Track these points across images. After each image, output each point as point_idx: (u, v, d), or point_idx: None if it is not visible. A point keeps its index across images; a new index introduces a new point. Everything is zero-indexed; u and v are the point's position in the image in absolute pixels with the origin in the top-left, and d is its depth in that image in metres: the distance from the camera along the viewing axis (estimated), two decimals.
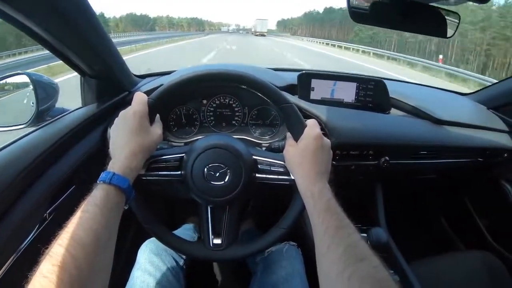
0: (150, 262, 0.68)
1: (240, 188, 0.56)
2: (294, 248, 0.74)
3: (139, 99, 0.52)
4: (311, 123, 0.54)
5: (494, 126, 0.99)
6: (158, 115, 0.56)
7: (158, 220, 0.57)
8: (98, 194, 0.42)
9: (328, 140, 0.54)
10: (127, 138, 0.48)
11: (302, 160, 0.51)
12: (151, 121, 0.52)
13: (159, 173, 0.56)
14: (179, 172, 0.57)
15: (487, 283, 0.82)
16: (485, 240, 1.12)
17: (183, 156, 0.58)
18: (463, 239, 1.24)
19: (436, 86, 1.32)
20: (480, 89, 1.21)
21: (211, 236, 0.59)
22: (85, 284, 0.34)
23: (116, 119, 0.52)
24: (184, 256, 0.74)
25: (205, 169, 0.55)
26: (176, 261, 0.72)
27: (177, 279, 0.69)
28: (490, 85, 1.20)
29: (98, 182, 0.44)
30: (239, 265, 0.80)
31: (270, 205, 1.09)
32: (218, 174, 0.55)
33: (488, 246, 1.10)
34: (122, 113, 0.51)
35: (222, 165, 0.55)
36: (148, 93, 0.55)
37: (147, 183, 0.56)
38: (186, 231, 0.91)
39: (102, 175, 0.44)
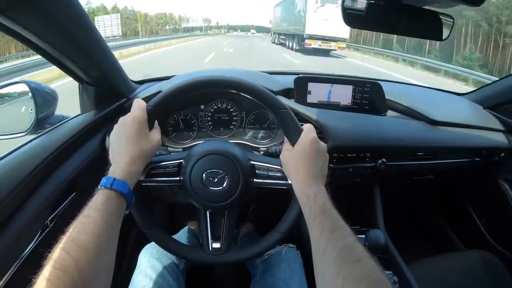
0: (151, 267, 0.68)
1: (238, 193, 0.57)
2: (293, 251, 0.75)
3: (138, 106, 0.52)
4: (307, 128, 0.55)
5: (491, 125, 0.99)
6: (156, 121, 0.56)
7: (158, 224, 0.58)
8: (99, 199, 0.43)
9: (324, 144, 0.54)
10: (127, 144, 0.49)
11: (298, 164, 0.52)
12: (150, 127, 0.53)
13: (158, 179, 0.57)
14: (178, 178, 0.58)
15: (486, 282, 0.83)
16: (484, 239, 1.12)
17: (181, 162, 0.59)
18: (462, 239, 1.24)
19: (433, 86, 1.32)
20: (476, 89, 1.22)
21: (210, 241, 0.60)
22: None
23: (116, 125, 0.52)
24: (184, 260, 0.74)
25: (204, 175, 0.56)
26: (176, 265, 0.72)
27: (177, 283, 0.69)
28: (486, 85, 1.20)
29: (99, 187, 0.44)
30: (239, 268, 0.81)
31: (270, 209, 1.10)
32: (216, 179, 0.56)
33: (487, 245, 1.10)
34: (121, 119, 0.52)
35: (220, 171, 0.56)
36: (146, 99, 0.55)
37: (147, 189, 0.56)
38: (186, 235, 0.91)
39: (103, 180, 0.45)
